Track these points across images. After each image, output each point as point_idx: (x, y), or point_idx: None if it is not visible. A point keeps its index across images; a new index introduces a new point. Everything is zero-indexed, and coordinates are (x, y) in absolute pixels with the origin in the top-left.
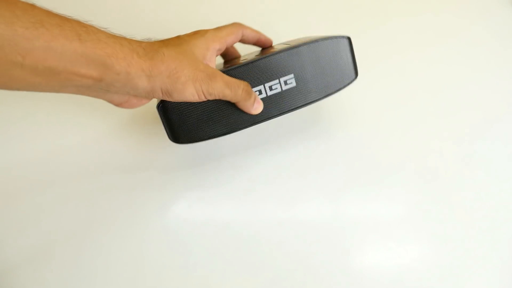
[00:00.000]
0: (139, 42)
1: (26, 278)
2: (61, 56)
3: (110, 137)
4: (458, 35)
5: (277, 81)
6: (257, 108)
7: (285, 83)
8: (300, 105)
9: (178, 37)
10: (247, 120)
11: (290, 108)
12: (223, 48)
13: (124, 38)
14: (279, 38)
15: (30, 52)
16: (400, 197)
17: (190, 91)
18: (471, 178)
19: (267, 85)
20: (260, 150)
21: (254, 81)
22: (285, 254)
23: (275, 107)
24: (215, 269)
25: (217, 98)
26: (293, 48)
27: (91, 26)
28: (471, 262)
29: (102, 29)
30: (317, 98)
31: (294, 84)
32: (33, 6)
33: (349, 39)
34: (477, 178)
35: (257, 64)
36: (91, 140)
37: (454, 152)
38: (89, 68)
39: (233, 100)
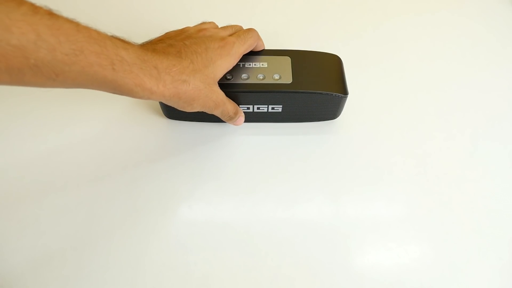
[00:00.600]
0: (170, 68)
1: (26, 279)
2: (92, 80)
3: (107, 134)
4: (458, 34)
5: (265, 106)
6: (238, 123)
7: (273, 108)
8: (277, 122)
9: (207, 51)
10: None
11: (268, 122)
12: None
13: (155, 67)
14: (277, 36)
15: (64, 73)
16: (400, 197)
17: (195, 110)
18: (471, 177)
19: (256, 106)
20: (260, 150)
21: (247, 102)
22: (285, 254)
23: (256, 117)
24: (215, 269)
25: None
26: (292, 92)
27: (127, 56)
28: (471, 262)
29: (137, 57)
30: (294, 122)
31: (280, 110)
32: (77, 29)
33: (345, 94)
34: (477, 177)
35: (257, 93)
36: (89, 137)
37: (454, 152)
38: (114, 91)
39: (221, 118)
